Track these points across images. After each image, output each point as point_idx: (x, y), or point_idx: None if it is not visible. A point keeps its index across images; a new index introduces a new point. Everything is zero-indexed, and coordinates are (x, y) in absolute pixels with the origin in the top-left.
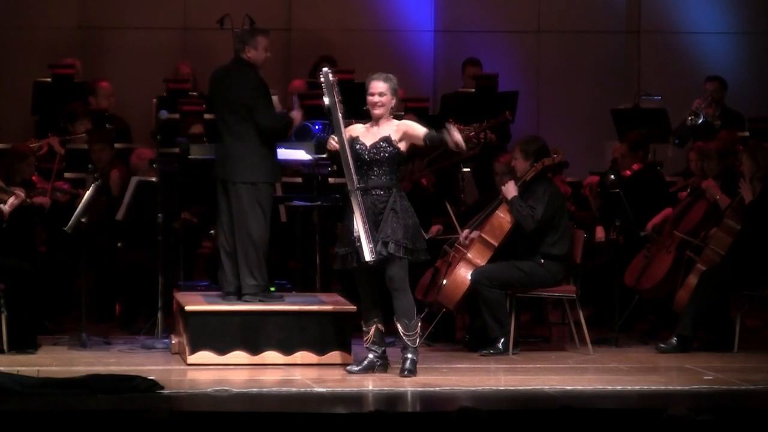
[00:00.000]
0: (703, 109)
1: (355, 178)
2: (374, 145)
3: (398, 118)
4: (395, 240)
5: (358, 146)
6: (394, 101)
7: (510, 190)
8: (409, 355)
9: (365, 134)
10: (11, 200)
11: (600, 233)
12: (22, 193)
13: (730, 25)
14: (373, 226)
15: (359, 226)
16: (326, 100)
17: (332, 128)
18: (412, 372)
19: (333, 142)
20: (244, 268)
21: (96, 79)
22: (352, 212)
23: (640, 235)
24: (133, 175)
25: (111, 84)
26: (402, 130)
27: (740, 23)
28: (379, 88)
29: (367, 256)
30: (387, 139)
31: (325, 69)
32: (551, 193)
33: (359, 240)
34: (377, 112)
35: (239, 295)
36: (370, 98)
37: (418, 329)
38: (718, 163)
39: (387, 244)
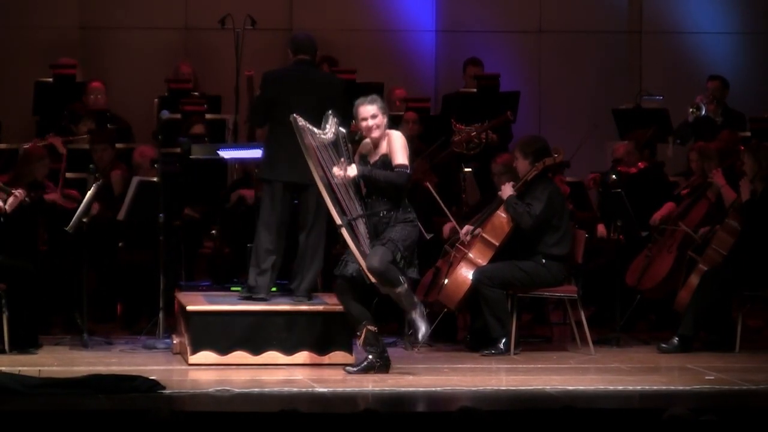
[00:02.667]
0: (705, 104)
1: (336, 214)
2: (374, 164)
3: (397, 122)
4: (399, 249)
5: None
6: (386, 117)
7: (506, 190)
8: (413, 317)
9: (371, 152)
10: (11, 200)
11: (601, 230)
12: (19, 194)
13: (731, 25)
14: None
15: (356, 257)
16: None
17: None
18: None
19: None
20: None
21: (90, 80)
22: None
23: (641, 235)
24: (136, 173)
25: (104, 84)
26: (389, 144)
27: (742, 23)
28: (371, 111)
29: (373, 279)
30: (384, 157)
31: (292, 116)
32: (551, 193)
33: (360, 265)
34: (375, 135)
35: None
36: (364, 123)
37: (403, 289)
38: (719, 163)
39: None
